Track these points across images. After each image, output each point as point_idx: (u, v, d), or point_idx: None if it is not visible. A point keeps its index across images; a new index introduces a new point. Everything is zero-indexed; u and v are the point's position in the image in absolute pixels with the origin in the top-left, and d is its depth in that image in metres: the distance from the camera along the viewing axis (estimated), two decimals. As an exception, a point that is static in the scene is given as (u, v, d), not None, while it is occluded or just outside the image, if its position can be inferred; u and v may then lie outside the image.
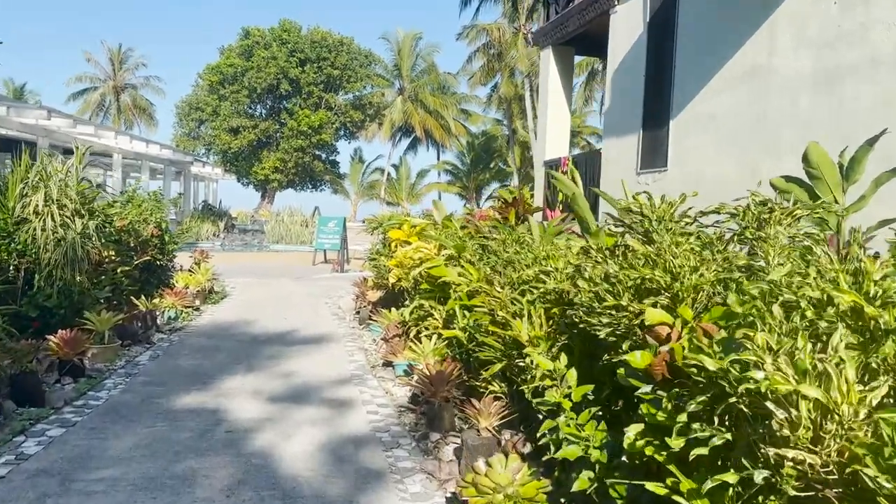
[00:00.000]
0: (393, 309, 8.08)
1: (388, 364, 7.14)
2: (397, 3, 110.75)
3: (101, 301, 8.70)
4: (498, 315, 4.39)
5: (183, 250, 20.12)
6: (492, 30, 35.88)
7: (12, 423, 4.87)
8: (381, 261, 9.48)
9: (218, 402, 5.79)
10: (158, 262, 10.97)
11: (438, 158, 50.22)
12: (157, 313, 9.45)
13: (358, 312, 10.28)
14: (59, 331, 6.37)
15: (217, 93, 39.64)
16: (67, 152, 25.74)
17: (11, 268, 7.75)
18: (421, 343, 6.27)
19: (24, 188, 7.86)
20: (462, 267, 6.16)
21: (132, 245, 10.37)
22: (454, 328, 5.97)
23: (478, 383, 4.95)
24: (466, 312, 5.69)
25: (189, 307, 9.95)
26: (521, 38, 35.71)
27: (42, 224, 7.71)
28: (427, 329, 6.64)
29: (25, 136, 16.97)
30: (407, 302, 7.63)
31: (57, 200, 7.92)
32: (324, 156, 43.36)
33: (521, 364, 4.04)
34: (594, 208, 9.56)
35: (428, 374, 5.23)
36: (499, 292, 4.58)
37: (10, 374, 5.51)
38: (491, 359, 4.56)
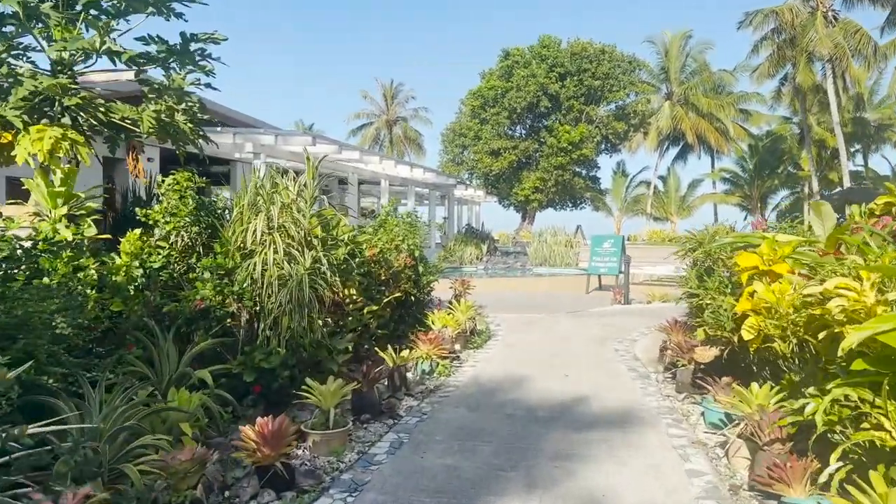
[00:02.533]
0: (755, 385, 4.82)
1: (768, 495, 3.94)
2: (663, 3, 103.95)
3: (342, 352, 6.75)
4: None
5: (446, 276, 18.64)
6: (782, 12, 30.07)
7: None
8: (709, 299, 6.26)
9: (482, 580, 3.13)
10: (413, 297, 8.95)
11: (713, 166, 44.39)
12: (409, 366, 7.29)
13: (670, 371, 7.13)
14: (258, 419, 4.25)
15: (478, 117, 39.05)
16: (341, 182, 26.24)
17: (242, 313, 6.06)
18: (866, 487, 3.00)
19: (241, 212, 6.14)
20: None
21: (383, 278, 8.44)
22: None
23: None
24: None
25: (446, 357, 7.66)
26: (821, 16, 29.45)
27: (263, 258, 5.88)
28: (865, 444, 3.36)
29: (293, 164, 16.67)
30: (800, 378, 4.33)
31: (281, 227, 6.07)
32: (584, 172, 40.52)
33: None
34: None
35: None
36: None
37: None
38: None
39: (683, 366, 6.60)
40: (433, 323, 8.55)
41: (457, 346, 8.66)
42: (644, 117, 40.16)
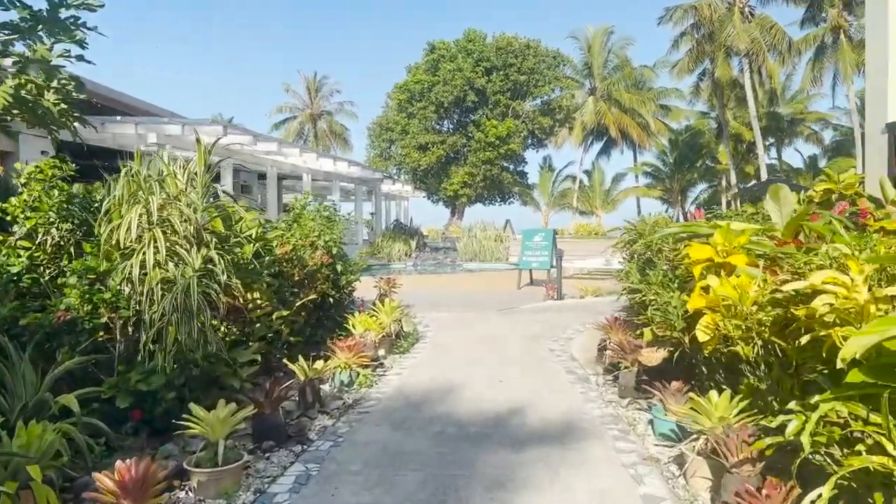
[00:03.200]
0: (713, 394, 4.23)
1: (741, 528, 3.33)
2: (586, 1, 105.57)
3: (247, 365, 5.85)
4: None
5: (373, 273, 17.87)
6: (701, 7, 30.55)
7: None
8: (653, 295, 5.69)
9: None
10: (331, 299, 8.08)
11: (635, 160, 45.06)
12: (326, 378, 6.44)
13: (611, 373, 6.56)
14: (118, 464, 3.34)
15: (405, 111, 38.24)
16: (262, 177, 24.87)
17: (118, 325, 5.07)
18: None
19: (117, 204, 5.15)
20: None
21: (296, 279, 7.55)
22: None
23: None
24: None
25: (368, 366, 6.84)
26: (738, 12, 30.07)
27: (141, 258, 4.91)
28: (859, 470, 2.78)
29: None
30: (766, 386, 3.74)
31: (165, 220, 5.11)
32: (511, 167, 40.36)
33: None
34: None
35: None
36: None
37: None
38: None
39: (626, 368, 6.02)
40: (354, 327, 7.70)
41: (381, 352, 7.86)
42: (569, 112, 40.27)
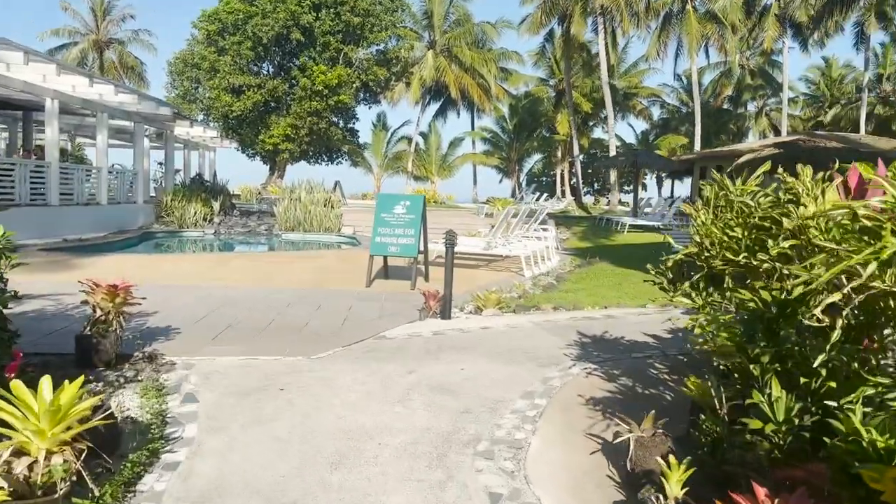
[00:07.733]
0: None
1: None
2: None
3: None
4: None
5: (160, 242, 11.89)
6: (559, -45, 26.77)
7: None
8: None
9: None
10: None
11: (473, 125, 41.24)
12: None
13: None
14: None
15: (215, 45, 30.78)
16: (18, 108, 16.79)
17: None
18: None
19: None
20: None
21: None
22: None
23: None
24: None
25: None
26: (596, -36, 26.69)
27: None
28: None
29: None
30: None
31: None
32: (341, 122, 34.54)
33: None
34: None
35: None
36: None
37: None
38: None
39: None
40: None
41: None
42: (407, 65, 35.20)
